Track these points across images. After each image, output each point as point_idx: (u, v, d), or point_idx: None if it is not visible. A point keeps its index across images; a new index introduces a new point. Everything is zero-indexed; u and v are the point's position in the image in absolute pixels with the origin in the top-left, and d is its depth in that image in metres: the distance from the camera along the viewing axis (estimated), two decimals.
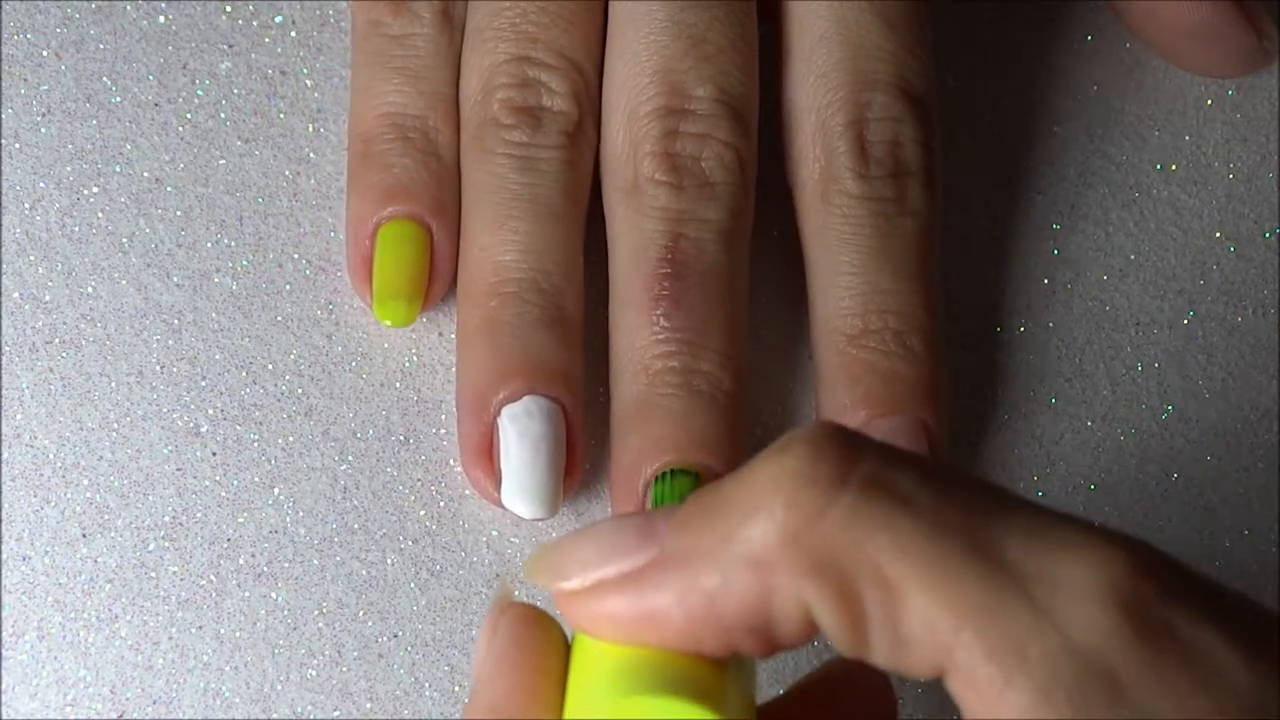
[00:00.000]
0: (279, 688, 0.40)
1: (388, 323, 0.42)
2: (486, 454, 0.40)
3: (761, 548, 0.28)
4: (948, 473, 0.28)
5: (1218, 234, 0.44)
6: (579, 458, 0.41)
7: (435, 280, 0.42)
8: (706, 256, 0.40)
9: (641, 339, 0.40)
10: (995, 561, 0.27)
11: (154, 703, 0.40)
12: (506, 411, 0.40)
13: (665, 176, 0.40)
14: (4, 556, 0.41)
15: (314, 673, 0.40)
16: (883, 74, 0.41)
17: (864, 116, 0.41)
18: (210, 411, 0.42)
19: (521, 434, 0.39)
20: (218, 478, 0.42)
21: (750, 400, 0.41)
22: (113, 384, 0.42)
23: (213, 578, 0.41)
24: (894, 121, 0.41)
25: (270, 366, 0.43)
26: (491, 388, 0.40)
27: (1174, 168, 0.45)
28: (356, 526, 0.41)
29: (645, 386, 0.40)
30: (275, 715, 0.40)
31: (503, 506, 0.40)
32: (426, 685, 0.40)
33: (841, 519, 0.27)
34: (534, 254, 0.41)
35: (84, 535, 0.41)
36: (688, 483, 0.39)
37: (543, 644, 0.30)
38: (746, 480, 0.28)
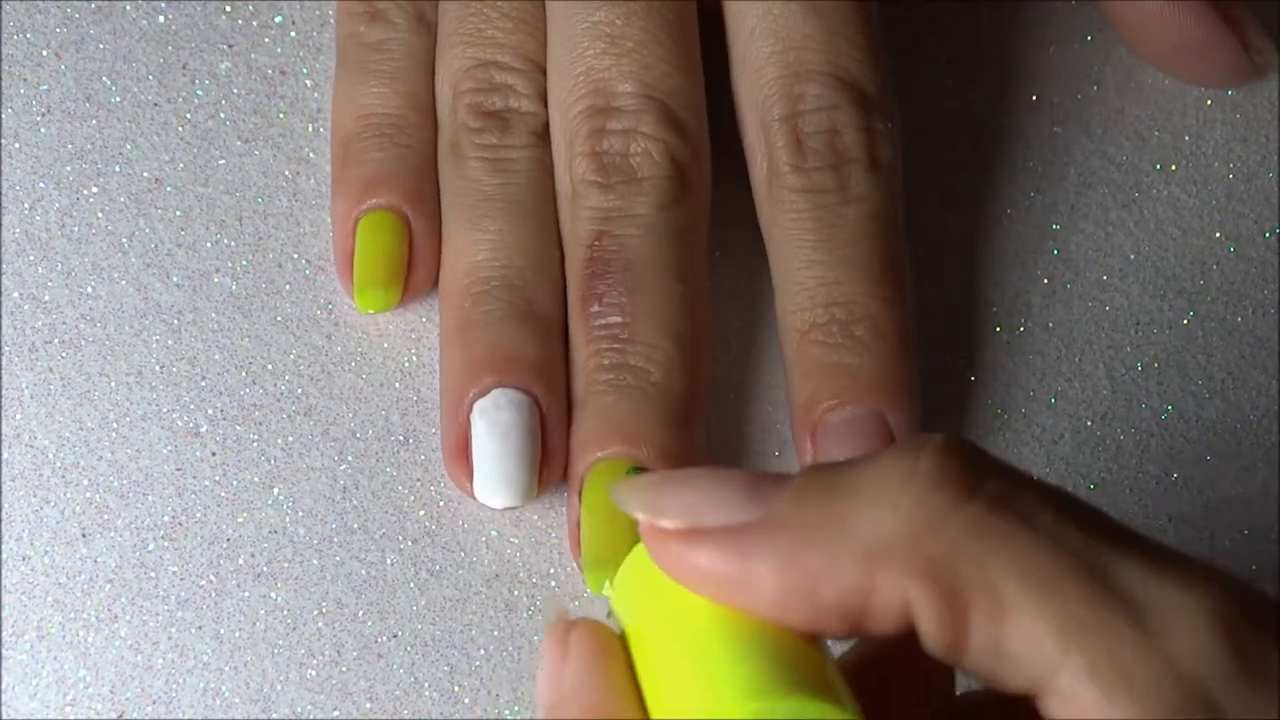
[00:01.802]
0: (279, 688, 0.40)
1: (369, 311, 0.42)
2: (463, 452, 0.40)
3: (879, 540, 0.27)
4: (1068, 497, 0.28)
5: (1218, 234, 0.44)
6: (556, 446, 0.40)
7: (416, 267, 0.42)
8: (629, 251, 0.40)
9: (578, 340, 0.41)
10: (1109, 585, 0.27)
11: (154, 703, 0.40)
12: (477, 407, 0.40)
13: (594, 176, 0.41)
14: (4, 556, 0.41)
15: (314, 673, 0.40)
16: (814, 64, 0.41)
17: (798, 109, 0.41)
18: (210, 411, 0.42)
19: (490, 426, 0.40)
20: (217, 478, 0.42)
21: (695, 386, 0.41)
22: (113, 384, 0.42)
23: (212, 578, 0.41)
24: (829, 110, 0.41)
25: (270, 366, 0.43)
26: (464, 387, 0.40)
27: (1174, 168, 0.45)
28: (356, 526, 0.41)
29: (583, 386, 0.40)
30: (275, 715, 0.40)
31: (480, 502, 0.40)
32: (426, 685, 0.40)
33: (965, 528, 0.27)
34: (504, 250, 0.41)
35: (84, 535, 0.41)
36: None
37: (617, 658, 0.30)
38: (870, 470, 0.28)
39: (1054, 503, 0.28)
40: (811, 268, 0.41)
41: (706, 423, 0.41)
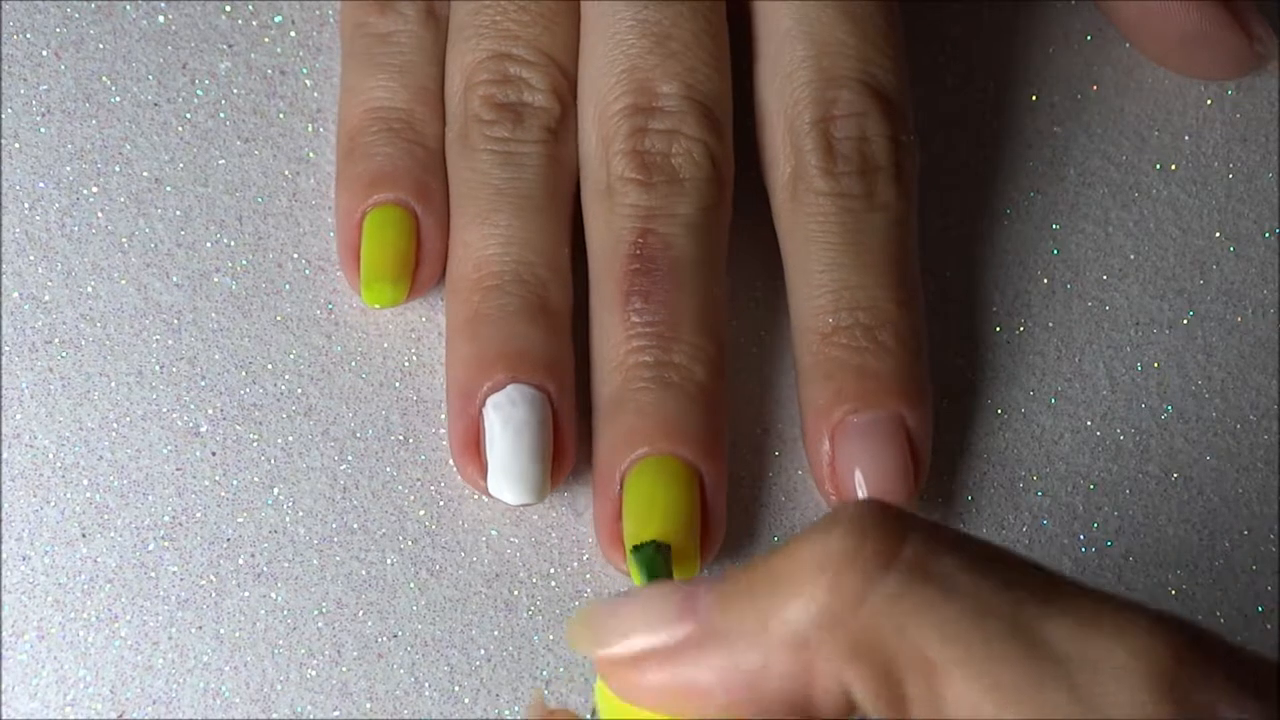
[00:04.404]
0: (279, 688, 0.40)
1: (376, 306, 0.42)
2: (474, 446, 0.40)
3: (802, 630, 0.28)
4: (991, 552, 0.28)
5: (1218, 234, 0.44)
6: (567, 443, 0.41)
7: (423, 263, 0.42)
8: (675, 250, 0.40)
9: (615, 335, 0.40)
10: (1037, 644, 0.27)
11: (154, 703, 0.40)
12: (490, 401, 0.40)
13: (635, 174, 0.41)
14: (4, 556, 0.41)
15: (314, 673, 0.40)
16: (848, 70, 0.41)
17: (830, 114, 0.41)
18: (210, 411, 0.42)
19: (505, 422, 0.40)
20: (218, 478, 0.42)
21: (725, 388, 0.41)
22: (113, 384, 0.42)
23: (213, 578, 0.41)
24: (860, 117, 0.41)
25: (270, 366, 0.43)
26: (475, 381, 0.40)
27: (1174, 168, 0.45)
28: (356, 526, 0.41)
29: (621, 383, 0.40)
30: (275, 715, 0.40)
31: (491, 497, 0.40)
32: (426, 685, 0.40)
33: (884, 604, 0.27)
34: (516, 245, 0.41)
35: (84, 535, 0.41)
36: (654, 554, 0.39)
37: None
38: (789, 559, 0.28)
39: (974, 563, 0.28)
40: (835, 270, 0.41)
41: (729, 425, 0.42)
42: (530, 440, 0.40)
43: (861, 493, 0.40)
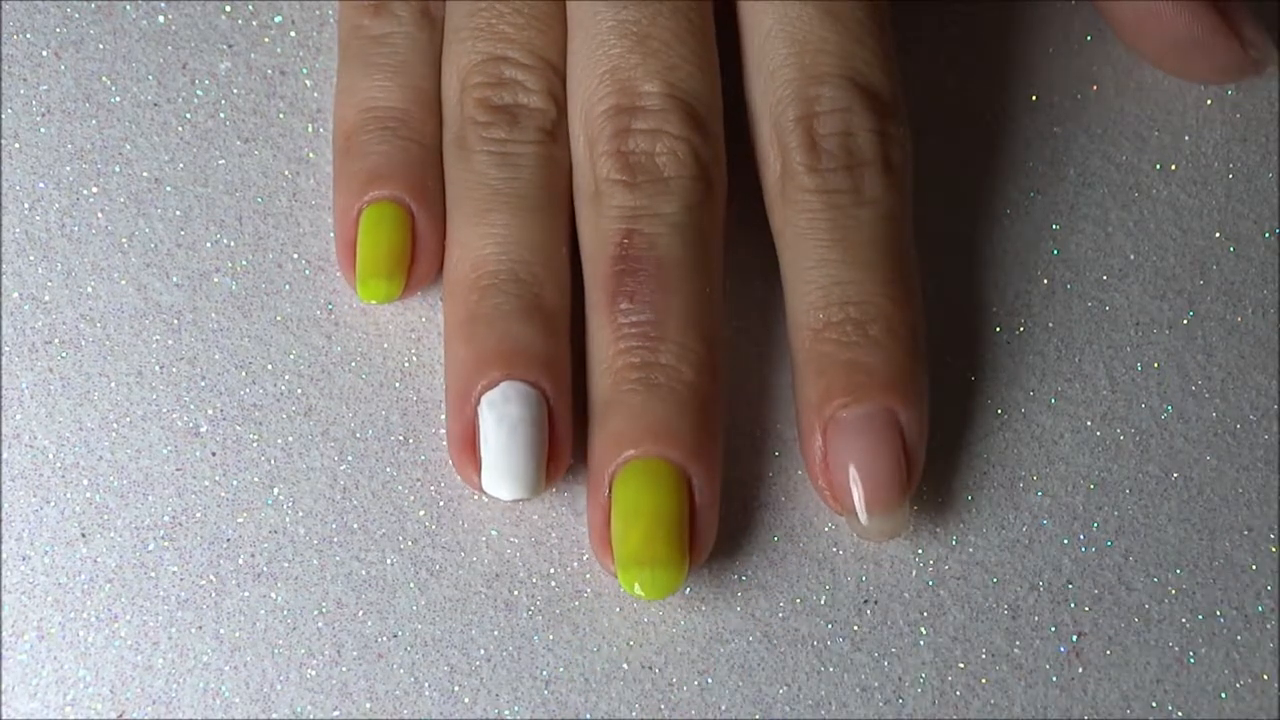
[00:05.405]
0: (279, 688, 0.40)
1: (371, 301, 0.42)
2: (470, 445, 0.40)
3: None
4: None
5: (1218, 234, 0.44)
6: (563, 441, 0.41)
7: (419, 260, 0.42)
8: (659, 250, 0.41)
9: (605, 337, 0.41)
10: None
11: (154, 703, 0.40)
12: (485, 399, 0.40)
13: (619, 175, 0.41)
14: (4, 556, 0.41)
15: (314, 673, 0.40)
16: (830, 67, 0.41)
17: (813, 111, 0.41)
18: (210, 411, 0.42)
19: (499, 419, 0.40)
20: (217, 478, 0.42)
21: (718, 388, 0.41)
22: (112, 384, 0.42)
23: (212, 578, 0.41)
24: (844, 113, 0.41)
25: (270, 366, 0.43)
26: (471, 380, 0.40)
27: (1174, 168, 0.45)
28: (356, 526, 0.41)
29: (610, 385, 0.40)
30: (275, 715, 0.40)
31: (486, 494, 0.40)
32: (426, 685, 0.40)
33: None
34: (512, 245, 0.41)
35: (84, 535, 0.41)
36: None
37: None
38: None
39: None
40: (825, 266, 0.41)
41: (726, 425, 0.41)
42: (524, 436, 0.40)
43: (855, 489, 0.40)
